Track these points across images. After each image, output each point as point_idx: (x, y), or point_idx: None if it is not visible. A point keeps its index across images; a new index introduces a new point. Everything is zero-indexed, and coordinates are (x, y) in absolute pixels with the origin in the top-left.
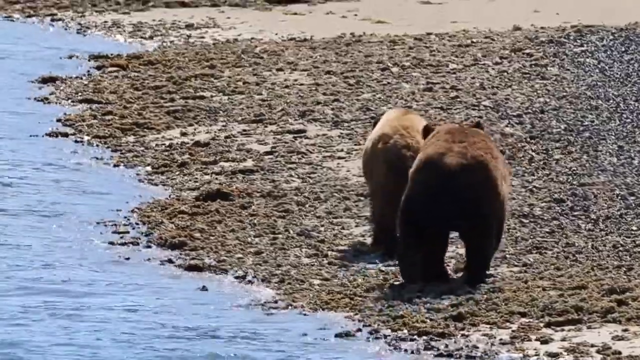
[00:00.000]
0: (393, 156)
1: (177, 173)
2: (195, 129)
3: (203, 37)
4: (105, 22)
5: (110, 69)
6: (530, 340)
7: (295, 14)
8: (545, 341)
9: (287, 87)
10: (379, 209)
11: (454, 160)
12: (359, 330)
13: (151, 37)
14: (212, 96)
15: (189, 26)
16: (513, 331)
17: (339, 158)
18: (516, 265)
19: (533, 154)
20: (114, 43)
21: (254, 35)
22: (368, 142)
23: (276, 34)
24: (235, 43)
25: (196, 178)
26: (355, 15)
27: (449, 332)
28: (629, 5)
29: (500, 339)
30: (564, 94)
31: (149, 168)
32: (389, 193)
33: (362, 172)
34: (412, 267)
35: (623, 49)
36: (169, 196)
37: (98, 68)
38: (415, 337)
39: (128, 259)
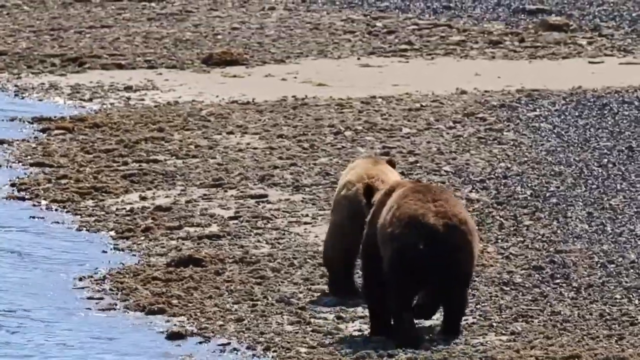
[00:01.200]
0: (355, 204)
1: (142, 238)
2: (154, 193)
3: (143, 100)
4: (42, 84)
5: (56, 131)
6: None
7: (235, 76)
8: None
9: (240, 150)
10: (329, 244)
11: (439, 221)
12: None
13: (90, 100)
14: (165, 160)
15: (127, 88)
16: None
17: (305, 223)
18: (504, 334)
19: (502, 219)
20: (53, 105)
21: (194, 98)
22: (338, 188)
23: (217, 97)
24: (178, 106)
25: (162, 243)
26: (295, 77)
27: None
28: (569, 71)
29: None
30: (525, 159)
31: (112, 233)
32: (343, 235)
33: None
34: (412, 327)
35: (577, 114)
36: (138, 262)
37: (43, 131)
38: None
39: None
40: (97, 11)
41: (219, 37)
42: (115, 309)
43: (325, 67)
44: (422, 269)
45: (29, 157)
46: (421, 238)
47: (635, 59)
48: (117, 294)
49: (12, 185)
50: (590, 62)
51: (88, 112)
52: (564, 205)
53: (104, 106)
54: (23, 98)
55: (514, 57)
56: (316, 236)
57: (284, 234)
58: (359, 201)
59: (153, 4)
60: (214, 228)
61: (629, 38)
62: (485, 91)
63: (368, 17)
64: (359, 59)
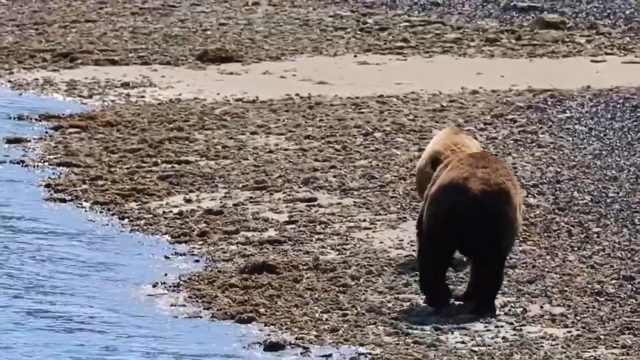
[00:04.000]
0: None
1: (200, 243)
2: (198, 196)
3: (143, 97)
4: (36, 79)
5: (70, 130)
6: None
7: (232, 73)
8: None
9: (271, 152)
10: None
11: (479, 186)
12: None
13: (90, 96)
14: (196, 161)
15: (124, 85)
16: None
17: (365, 229)
18: (615, 347)
19: (568, 226)
20: (54, 102)
21: (195, 95)
22: (421, 160)
23: (218, 94)
24: (184, 103)
25: (223, 248)
26: (294, 75)
27: None
28: (573, 70)
29: None
30: (573, 163)
31: (167, 237)
32: None
33: (416, 188)
34: (443, 288)
35: (609, 116)
36: (206, 268)
37: (55, 129)
38: None
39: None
40: (78, 5)
41: (209, 32)
42: (201, 317)
43: (322, 64)
44: (458, 229)
45: (52, 157)
46: (459, 200)
47: (637, 58)
48: (197, 301)
49: (47, 186)
50: (592, 61)
51: (93, 109)
52: (629, 211)
53: (105, 103)
54: (21, 94)
55: (513, 56)
56: (381, 242)
57: (346, 240)
58: None
59: None
60: (272, 233)
61: (627, 36)
62: (505, 91)
63: (356, 13)
64: (355, 56)
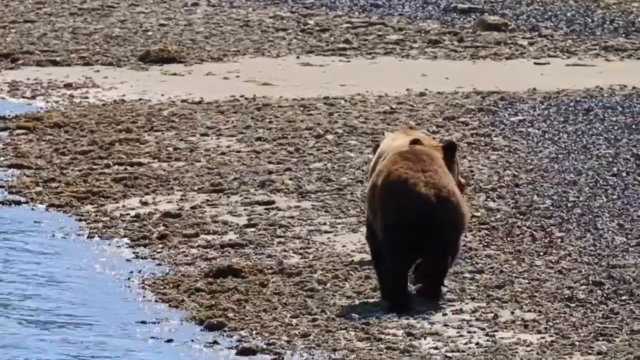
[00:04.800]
0: None
1: (160, 246)
2: (154, 199)
3: (87, 97)
4: None
5: (17, 131)
6: None
7: (175, 74)
8: None
9: (224, 154)
10: None
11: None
12: None
13: (33, 97)
14: (149, 163)
15: (67, 85)
16: None
17: (326, 232)
18: (590, 354)
19: (530, 230)
20: None
21: (139, 96)
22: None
23: (162, 95)
24: (130, 104)
25: (184, 252)
26: (237, 76)
27: None
28: (517, 72)
29: None
30: (530, 167)
31: (127, 240)
32: None
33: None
34: (404, 289)
35: (562, 119)
36: (169, 272)
37: (1, 130)
38: None
39: (170, 340)
40: (16, 5)
41: (150, 33)
42: (170, 321)
43: (265, 65)
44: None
45: (2, 158)
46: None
47: (580, 61)
48: (163, 304)
49: (0, 187)
50: (536, 64)
51: (38, 110)
52: (591, 216)
53: (49, 104)
54: None
55: (457, 58)
56: (343, 246)
57: (308, 244)
58: None
59: None
60: (232, 236)
61: (570, 39)
62: (452, 93)
63: (296, 14)
64: (298, 57)
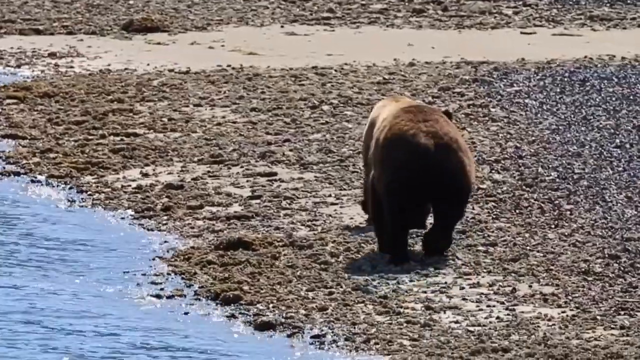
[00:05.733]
0: None
1: (165, 218)
2: (154, 170)
3: (72, 67)
4: None
5: (7, 101)
6: None
7: (159, 43)
8: None
9: (219, 124)
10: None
11: (429, 140)
12: None
13: (19, 66)
14: (145, 134)
15: (52, 55)
16: None
17: (332, 204)
18: (613, 328)
19: (539, 203)
20: None
21: (124, 66)
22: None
23: (148, 65)
24: (117, 74)
25: (190, 224)
26: (222, 46)
27: None
28: (503, 42)
29: None
30: (532, 138)
31: (131, 211)
32: None
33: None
34: (404, 245)
35: (558, 90)
36: (175, 244)
37: None
38: None
39: (187, 313)
40: None
41: (131, 2)
42: (184, 296)
43: (250, 35)
44: (418, 189)
45: None
46: (413, 158)
47: (566, 30)
48: (175, 278)
49: None
50: (522, 33)
51: (24, 79)
52: (598, 188)
53: (34, 73)
54: None
55: (442, 27)
56: (351, 218)
57: (315, 216)
58: None
59: None
60: (237, 208)
61: (554, 8)
62: (440, 62)
63: None
64: (282, 26)
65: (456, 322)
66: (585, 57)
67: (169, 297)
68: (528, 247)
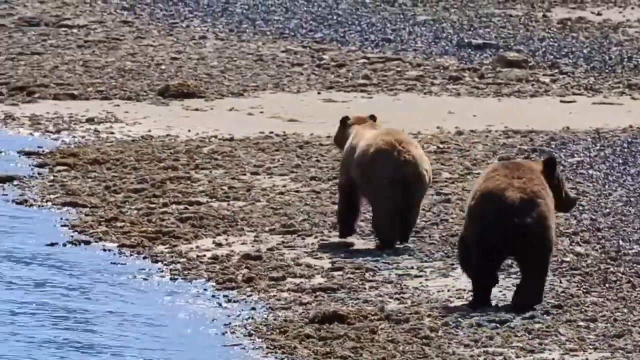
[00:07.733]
0: None
1: (248, 289)
2: (227, 239)
3: (112, 132)
4: None
5: (58, 167)
6: None
7: (197, 109)
8: None
9: (281, 193)
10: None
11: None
12: None
13: (58, 132)
14: (208, 202)
15: (89, 120)
16: None
17: (416, 276)
18: None
19: (626, 277)
20: (22, 137)
21: (166, 132)
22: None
23: (189, 131)
24: (158, 140)
25: (275, 295)
26: (262, 112)
27: None
28: (544, 110)
29: None
30: (606, 210)
31: (212, 283)
32: None
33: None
34: (488, 293)
35: (620, 161)
36: (268, 316)
37: (41, 166)
38: None
39: None
40: (19, 37)
41: (163, 67)
42: None
43: (287, 101)
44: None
45: (52, 196)
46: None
47: (606, 99)
48: (275, 352)
49: (62, 226)
50: (562, 102)
51: (68, 145)
52: None
53: (75, 139)
54: None
55: (480, 95)
56: (439, 291)
57: (402, 289)
58: None
59: (74, 30)
60: (320, 280)
61: (591, 76)
62: (484, 131)
63: (308, 48)
64: (319, 93)
65: None
66: (631, 126)
67: None
68: (630, 323)
